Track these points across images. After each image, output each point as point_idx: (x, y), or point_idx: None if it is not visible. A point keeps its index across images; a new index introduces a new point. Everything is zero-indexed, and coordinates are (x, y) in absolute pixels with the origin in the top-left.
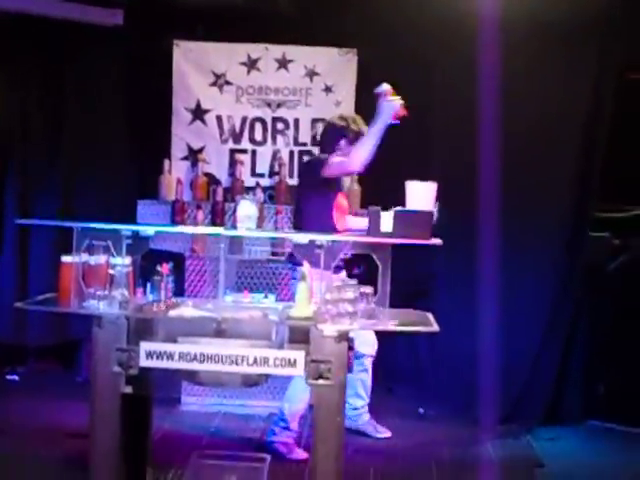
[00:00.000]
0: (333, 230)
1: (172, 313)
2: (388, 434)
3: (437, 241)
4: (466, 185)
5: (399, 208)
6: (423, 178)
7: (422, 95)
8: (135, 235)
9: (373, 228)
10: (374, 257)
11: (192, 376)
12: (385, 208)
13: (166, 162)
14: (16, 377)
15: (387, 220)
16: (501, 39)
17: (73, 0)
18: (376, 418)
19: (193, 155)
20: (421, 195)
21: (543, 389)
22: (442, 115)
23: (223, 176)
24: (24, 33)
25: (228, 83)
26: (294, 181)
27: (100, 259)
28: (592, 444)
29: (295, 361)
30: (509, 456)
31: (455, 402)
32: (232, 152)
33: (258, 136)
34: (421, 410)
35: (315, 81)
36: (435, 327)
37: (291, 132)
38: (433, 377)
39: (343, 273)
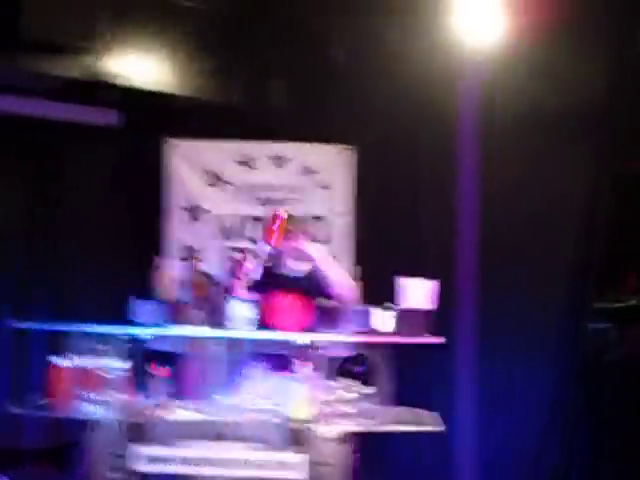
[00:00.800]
0: None
1: (169, 416)
2: None
3: (439, 340)
4: (460, 280)
5: (398, 307)
6: (414, 276)
7: (414, 188)
8: (131, 337)
9: (372, 327)
10: (373, 356)
11: None
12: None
13: (162, 261)
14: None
15: (380, 318)
16: (488, 134)
17: (67, 101)
18: None
19: (190, 254)
20: (420, 292)
21: None
22: (432, 210)
23: (221, 275)
24: (17, 133)
25: (224, 182)
26: None
27: (95, 362)
28: None
29: (296, 464)
30: None
31: None
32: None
33: (256, 234)
34: None
35: (312, 179)
36: (438, 427)
37: None
38: (437, 477)
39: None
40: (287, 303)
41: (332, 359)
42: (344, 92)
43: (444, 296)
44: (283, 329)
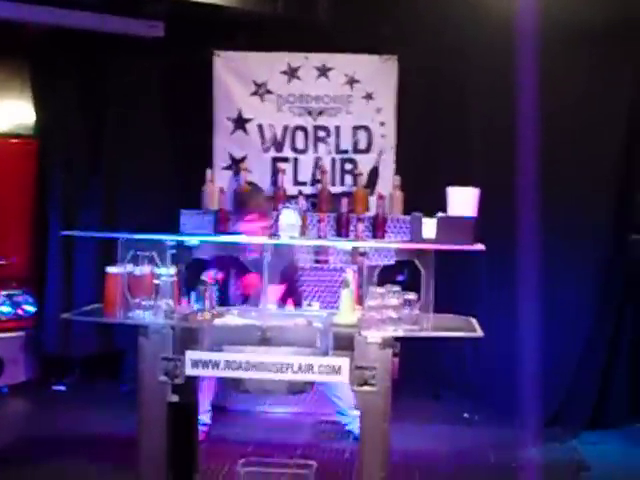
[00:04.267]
0: None
1: (217, 322)
2: None
3: (480, 247)
4: (506, 190)
5: (441, 214)
6: (462, 184)
7: (461, 99)
8: (179, 245)
9: (415, 234)
10: (417, 263)
11: (238, 384)
12: (427, 214)
13: (208, 172)
14: (63, 387)
15: (429, 226)
16: (540, 41)
17: (114, 13)
18: (422, 423)
19: (235, 164)
20: (463, 200)
21: (588, 392)
22: (481, 120)
23: (266, 185)
24: (65, 46)
25: (269, 92)
26: (336, 189)
27: (145, 269)
28: (638, 447)
29: (340, 368)
30: (554, 460)
31: (500, 406)
32: (274, 161)
33: (300, 144)
34: (466, 415)
35: (355, 88)
36: (479, 332)
37: (332, 140)
38: (479, 382)
39: None
40: None
41: (375, 267)
42: (389, 1)
43: (491, 205)
44: None
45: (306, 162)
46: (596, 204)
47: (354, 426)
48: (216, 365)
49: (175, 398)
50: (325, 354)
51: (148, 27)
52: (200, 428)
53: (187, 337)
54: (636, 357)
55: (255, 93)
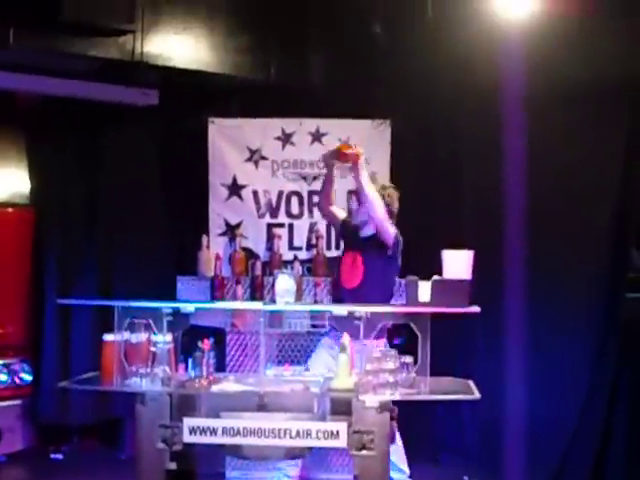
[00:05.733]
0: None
1: (214, 388)
2: None
3: (475, 309)
4: (500, 252)
5: (437, 277)
6: (456, 247)
7: (453, 162)
8: (175, 312)
9: (411, 298)
10: (413, 327)
11: (236, 450)
12: (422, 277)
13: (204, 238)
14: (60, 456)
15: (425, 289)
16: (528, 104)
17: (107, 82)
18: None
19: (231, 230)
20: (458, 263)
21: (586, 456)
22: (473, 182)
23: (261, 250)
24: (60, 114)
25: (263, 158)
26: (332, 253)
27: (141, 337)
28: None
29: (338, 433)
30: None
31: (499, 469)
32: (269, 226)
33: (295, 210)
34: (466, 478)
35: None
36: (476, 395)
37: None
38: (477, 445)
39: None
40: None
41: (373, 329)
42: (381, 67)
43: (485, 267)
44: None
45: (301, 227)
46: (589, 263)
47: None
48: (214, 432)
49: (173, 466)
50: (323, 419)
51: (142, 95)
52: None
53: (184, 404)
54: (634, 421)
55: (249, 159)
